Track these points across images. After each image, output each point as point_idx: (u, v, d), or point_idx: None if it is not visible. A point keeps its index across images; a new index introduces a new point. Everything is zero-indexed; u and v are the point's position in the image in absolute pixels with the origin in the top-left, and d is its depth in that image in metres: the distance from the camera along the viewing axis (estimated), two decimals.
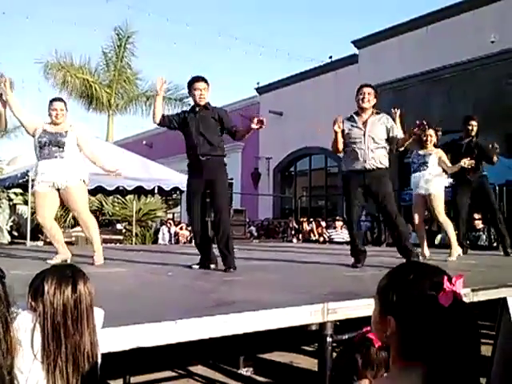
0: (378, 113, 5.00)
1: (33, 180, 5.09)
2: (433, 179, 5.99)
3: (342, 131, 4.93)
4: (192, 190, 4.70)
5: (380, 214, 5.11)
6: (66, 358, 1.52)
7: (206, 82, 4.75)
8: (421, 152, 6.14)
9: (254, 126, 4.46)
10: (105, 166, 5.29)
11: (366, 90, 4.95)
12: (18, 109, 4.95)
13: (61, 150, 4.90)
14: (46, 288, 1.55)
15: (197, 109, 4.76)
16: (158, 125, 4.91)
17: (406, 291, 1.21)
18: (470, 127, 6.75)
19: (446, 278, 1.17)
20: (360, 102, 4.92)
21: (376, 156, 4.87)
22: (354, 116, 5.00)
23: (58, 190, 4.91)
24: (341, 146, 4.98)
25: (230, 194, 5.15)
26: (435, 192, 5.95)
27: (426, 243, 6.14)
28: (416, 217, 6.14)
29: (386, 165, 4.93)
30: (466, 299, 1.50)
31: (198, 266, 4.63)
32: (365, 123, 4.91)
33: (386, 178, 4.94)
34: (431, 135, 6.09)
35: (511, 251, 6.68)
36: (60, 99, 5.23)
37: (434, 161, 6.04)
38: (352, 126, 4.95)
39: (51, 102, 5.05)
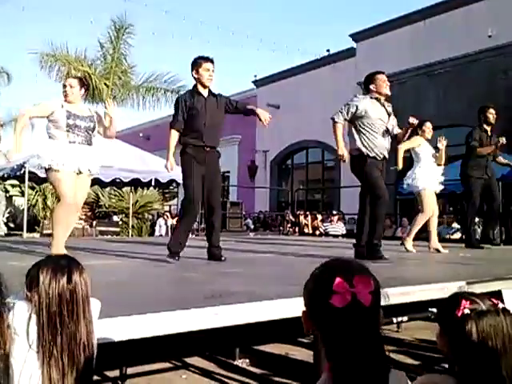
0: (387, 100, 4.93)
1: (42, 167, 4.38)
2: (421, 174, 6.05)
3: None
4: (194, 168, 4.34)
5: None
6: (62, 348, 1.52)
7: (213, 64, 4.45)
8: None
9: (261, 119, 4.46)
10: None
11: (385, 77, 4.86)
12: (22, 130, 4.57)
13: (90, 135, 4.51)
14: (41, 278, 1.55)
15: (205, 94, 4.43)
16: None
17: (308, 290, 1.19)
18: (491, 115, 6.68)
19: (340, 279, 1.10)
20: (384, 89, 4.80)
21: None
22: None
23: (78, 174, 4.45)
24: None
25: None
26: (421, 187, 6.02)
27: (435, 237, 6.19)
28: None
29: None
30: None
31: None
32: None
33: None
34: (429, 127, 6.16)
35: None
36: (74, 76, 5.11)
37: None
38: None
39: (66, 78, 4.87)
